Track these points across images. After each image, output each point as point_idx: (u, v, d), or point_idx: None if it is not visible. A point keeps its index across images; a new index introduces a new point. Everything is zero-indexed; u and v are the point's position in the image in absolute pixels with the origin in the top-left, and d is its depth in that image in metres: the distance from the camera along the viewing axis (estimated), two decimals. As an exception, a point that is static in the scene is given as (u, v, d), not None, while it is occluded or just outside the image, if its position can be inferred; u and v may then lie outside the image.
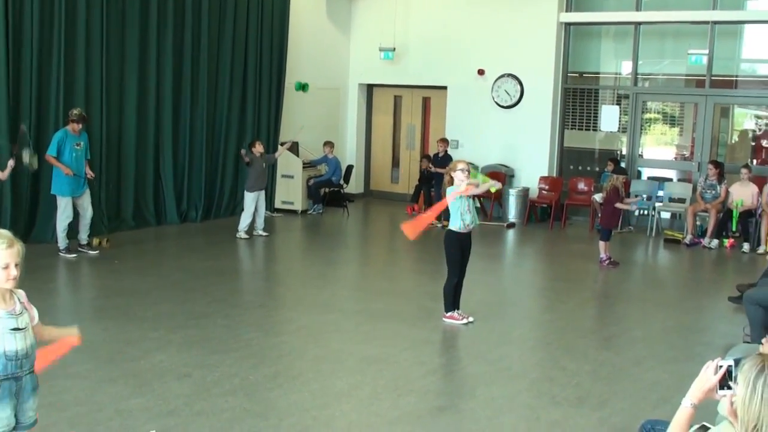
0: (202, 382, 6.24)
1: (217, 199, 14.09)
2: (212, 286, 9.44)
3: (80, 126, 10.52)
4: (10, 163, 9.92)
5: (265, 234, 12.62)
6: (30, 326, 3.79)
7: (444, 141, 14.78)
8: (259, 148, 12.58)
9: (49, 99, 11.25)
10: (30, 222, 11.18)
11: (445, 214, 8.90)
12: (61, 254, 10.58)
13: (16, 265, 3.62)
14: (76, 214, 10.73)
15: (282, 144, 13.97)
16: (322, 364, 6.88)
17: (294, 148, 15.29)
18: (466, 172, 7.88)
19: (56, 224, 10.62)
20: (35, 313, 3.88)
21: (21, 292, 3.83)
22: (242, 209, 12.70)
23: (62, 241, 10.61)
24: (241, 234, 12.40)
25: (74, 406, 5.68)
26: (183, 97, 13.33)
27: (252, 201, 12.41)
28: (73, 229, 10.81)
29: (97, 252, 10.76)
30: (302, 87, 12.23)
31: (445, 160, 13.68)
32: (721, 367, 3.30)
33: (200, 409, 5.72)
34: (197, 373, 6.43)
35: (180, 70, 13.22)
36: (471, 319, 8.11)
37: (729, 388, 3.17)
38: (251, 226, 12.54)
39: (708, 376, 3.31)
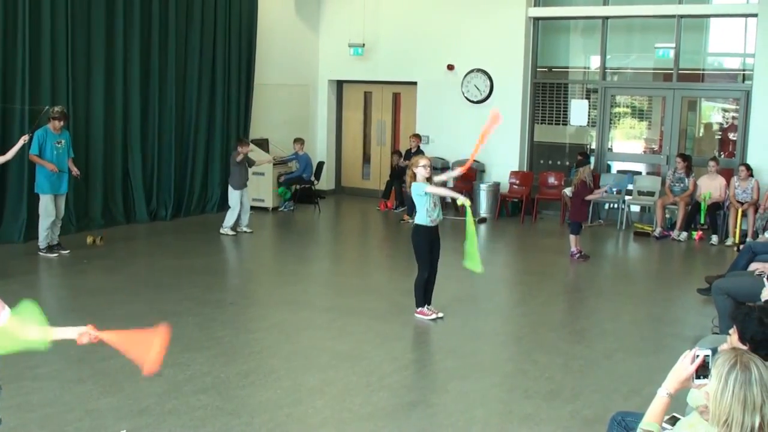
0: (174, 381, 6.20)
1: (187, 196, 13.99)
2: (183, 285, 9.38)
3: (61, 124, 10.42)
4: (24, 138, 10.01)
5: (249, 231, 12.60)
6: None
7: (416, 137, 14.79)
8: (246, 148, 12.60)
9: (14, 96, 11.10)
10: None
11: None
12: (41, 254, 10.47)
13: None
14: None
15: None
16: (295, 361, 6.86)
17: (264, 145, 15.25)
18: (429, 168, 7.92)
19: (39, 223, 10.51)
20: (6, 313, 3.81)
21: None
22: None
23: (43, 241, 10.49)
24: (227, 231, 12.37)
25: (43, 407, 5.62)
26: (151, 93, 13.22)
27: (238, 198, 12.43)
28: (34, 229, 10.68)
29: (68, 252, 10.64)
30: (284, 193, 12.52)
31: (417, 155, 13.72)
32: (698, 356, 3.32)
33: (172, 407, 5.69)
34: (168, 372, 6.38)
35: (148, 67, 13.11)
36: (440, 314, 8.13)
37: (706, 377, 3.20)
38: (236, 223, 12.53)
39: (685, 365, 3.34)
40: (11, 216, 11.16)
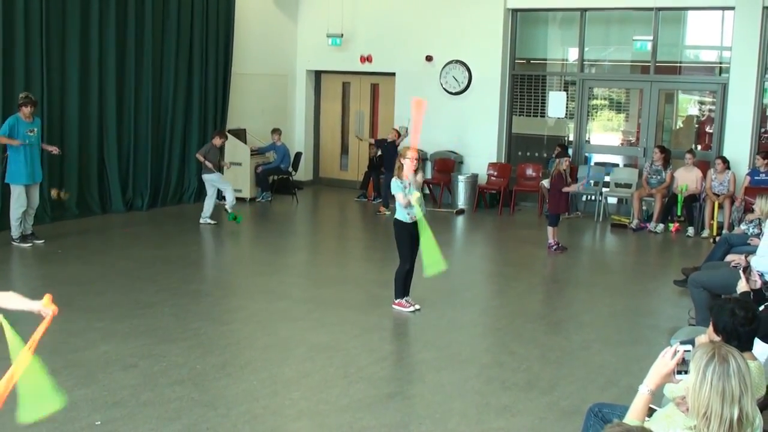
0: (149, 372, 6.15)
1: (163, 186, 13.89)
2: (159, 275, 9.31)
3: (30, 110, 10.24)
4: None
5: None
6: None
7: (397, 131, 14.59)
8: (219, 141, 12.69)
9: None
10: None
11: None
12: (14, 243, 10.36)
13: None
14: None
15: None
16: (271, 353, 6.83)
17: (242, 135, 15.17)
18: (415, 161, 7.88)
19: (10, 213, 10.38)
20: None
21: None
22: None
23: (15, 230, 10.37)
24: (207, 220, 12.39)
25: (15, 398, 5.53)
26: (127, 82, 13.09)
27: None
28: (7, 218, 10.56)
29: (42, 242, 10.53)
30: (235, 218, 12.36)
31: (393, 147, 13.72)
32: (678, 352, 3.32)
33: (147, 399, 5.64)
34: (143, 363, 6.33)
35: (123, 56, 12.97)
36: (418, 306, 8.11)
37: (687, 372, 3.19)
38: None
39: (665, 361, 3.33)
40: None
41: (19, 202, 10.32)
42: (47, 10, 11.61)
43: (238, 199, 14.59)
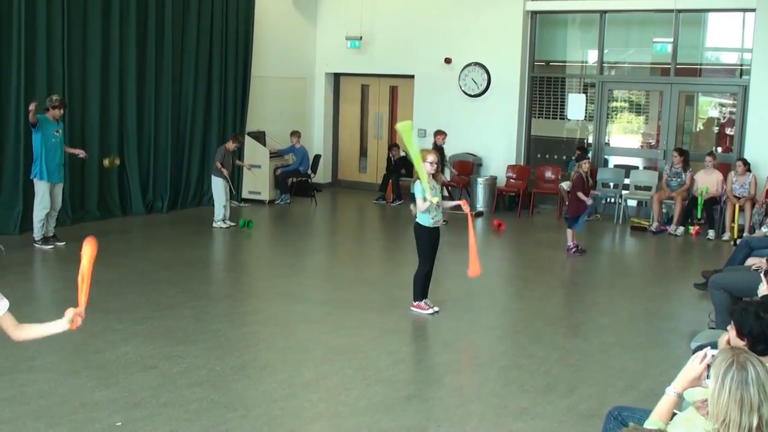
0: (169, 374, 6.18)
1: (183, 189, 13.96)
2: (178, 277, 9.36)
3: (61, 113, 10.39)
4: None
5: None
6: None
7: (442, 133, 14.04)
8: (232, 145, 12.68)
9: (10, 89, 11.07)
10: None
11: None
12: (36, 245, 10.43)
13: None
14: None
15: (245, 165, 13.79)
16: (290, 354, 6.85)
17: (261, 137, 15.23)
18: (435, 165, 7.88)
19: (33, 214, 10.45)
20: (4, 304, 3.78)
21: None
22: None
23: (38, 232, 10.45)
24: (219, 224, 12.41)
25: (38, 399, 5.59)
26: (147, 85, 13.17)
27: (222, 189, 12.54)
28: (30, 221, 10.65)
29: (63, 244, 10.60)
30: (246, 224, 12.33)
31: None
32: (707, 356, 3.31)
33: (166, 400, 5.66)
34: (163, 365, 6.37)
35: (144, 58, 13.06)
36: (436, 308, 8.10)
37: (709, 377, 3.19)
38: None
39: (695, 365, 3.33)
40: (7, 207, 11.12)
41: (42, 204, 10.40)
42: (69, 15, 11.70)
43: (257, 201, 14.70)
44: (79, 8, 11.90)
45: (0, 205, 11.12)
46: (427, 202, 7.75)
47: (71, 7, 11.74)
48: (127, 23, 12.67)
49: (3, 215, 11.09)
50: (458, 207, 8.20)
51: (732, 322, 4.11)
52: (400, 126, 7.92)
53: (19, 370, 6.03)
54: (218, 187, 12.45)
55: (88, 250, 4.01)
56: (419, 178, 7.83)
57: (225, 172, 12.44)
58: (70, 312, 3.85)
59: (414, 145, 7.69)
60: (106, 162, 11.52)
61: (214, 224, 12.40)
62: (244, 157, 14.80)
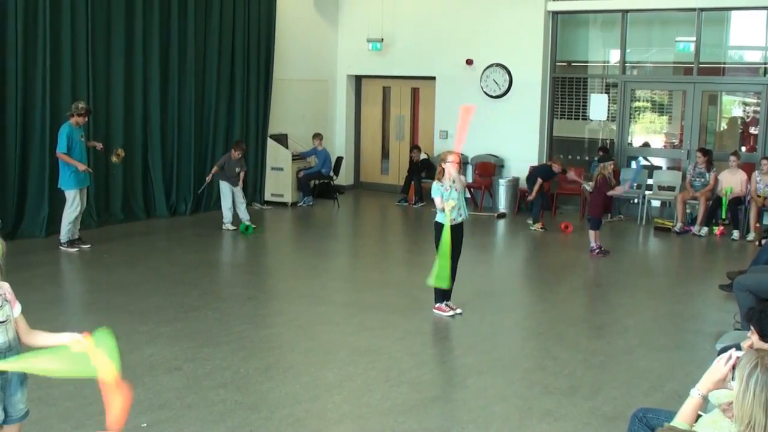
0: (193, 375, 6.22)
1: (206, 192, 14.01)
2: (202, 279, 9.41)
3: (85, 120, 10.55)
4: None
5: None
6: (11, 319, 3.74)
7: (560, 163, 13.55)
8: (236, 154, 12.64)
9: (35, 96, 11.18)
10: (18, 217, 11.11)
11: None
12: (62, 248, 10.54)
13: None
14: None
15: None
16: (313, 356, 6.87)
17: (283, 140, 15.28)
18: (456, 165, 7.87)
19: (63, 217, 10.56)
20: (18, 307, 3.82)
21: (5, 285, 3.78)
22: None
23: (65, 235, 10.56)
24: (228, 226, 12.45)
25: (64, 400, 5.64)
26: (170, 89, 13.26)
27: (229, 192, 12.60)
28: (55, 224, 10.75)
29: (88, 246, 10.70)
30: (246, 229, 12.29)
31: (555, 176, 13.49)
32: (732, 358, 3.30)
33: (191, 402, 5.70)
34: (188, 367, 6.41)
35: (167, 63, 13.14)
36: (459, 310, 8.10)
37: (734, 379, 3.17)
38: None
39: (720, 367, 3.32)
40: (33, 211, 11.24)
41: (73, 206, 10.49)
42: (93, 20, 11.80)
43: (279, 203, 14.75)
44: (103, 13, 11.99)
45: (27, 209, 11.23)
46: (443, 203, 7.76)
47: (95, 14, 11.84)
48: (150, 28, 12.76)
49: (29, 219, 11.20)
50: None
51: (752, 326, 4.09)
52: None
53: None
54: (224, 190, 12.51)
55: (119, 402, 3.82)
56: (438, 179, 7.86)
57: (209, 178, 12.63)
58: (76, 340, 3.79)
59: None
60: (113, 158, 11.57)
61: (223, 227, 12.44)
62: (266, 158, 14.88)
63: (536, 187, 13.17)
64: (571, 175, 13.56)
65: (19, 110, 10.97)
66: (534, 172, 13.60)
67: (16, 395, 3.80)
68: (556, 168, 13.22)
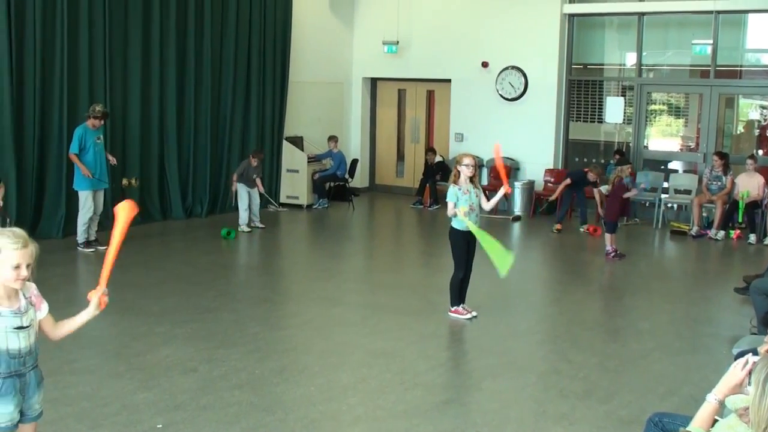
0: (209, 377, 6.24)
1: (222, 193, 14.08)
2: (218, 281, 9.44)
3: (101, 123, 10.58)
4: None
5: (262, 225, 12.81)
6: (34, 323, 3.76)
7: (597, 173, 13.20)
8: (254, 161, 12.76)
9: (53, 97, 11.26)
10: (36, 217, 11.19)
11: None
12: (79, 248, 10.61)
13: (27, 266, 3.58)
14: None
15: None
16: (328, 358, 6.87)
17: (299, 142, 15.32)
18: (472, 168, 7.84)
19: (77, 218, 10.63)
20: (45, 306, 3.86)
21: (32, 286, 3.80)
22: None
23: (81, 235, 10.64)
24: (243, 228, 12.52)
25: (80, 401, 5.68)
26: (187, 92, 13.32)
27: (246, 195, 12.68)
28: (72, 225, 10.82)
29: (104, 248, 10.73)
30: (228, 234, 12.33)
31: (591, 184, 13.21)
32: (748, 362, 3.29)
33: (207, 403, 5.72)
34: (203, 368, 6.43)
35: (183, 65, 13.21)
36: (475, 313, 8.09)
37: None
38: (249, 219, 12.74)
39: (736, 372, 3.30)
40: (50, 212, 11.32)
41: (85, 208, 10.57)
42: (110, 23, 11.87)
43: (294, 205, 14.79)
44: (120, 16, 12.06)
45: (44, 210, 11.30)
46: (455, 209, 7.75)
47: (112, 17, 11.91)
48: (167, 30, 12.82)
49: (47, 219, 11.27)
50: (500, 202, 8.23)
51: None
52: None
53: (62, 372, 6.13)
54: (241, 192, 12.59)
55: (124, 214, 4.07)
56: (454, 183, 7.84)
57: (234, 186, 12.70)
58: (93, 297, 3.95)
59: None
60: (124, 181, 11.66)
61: (240, 228, 12.50)
62: (282, 161, 14.93)
63: (561, 186, 13.14)
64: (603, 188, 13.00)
65: (37, 112, 11.04)
66: (567, 174, 13.56)
67: (33, 397, 3.82)
68: (591, 177, 13.01)
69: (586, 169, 13.28)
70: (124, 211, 4.01)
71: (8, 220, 9.72)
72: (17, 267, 3.55)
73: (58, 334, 3.93)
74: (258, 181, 12.77)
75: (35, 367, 3.80)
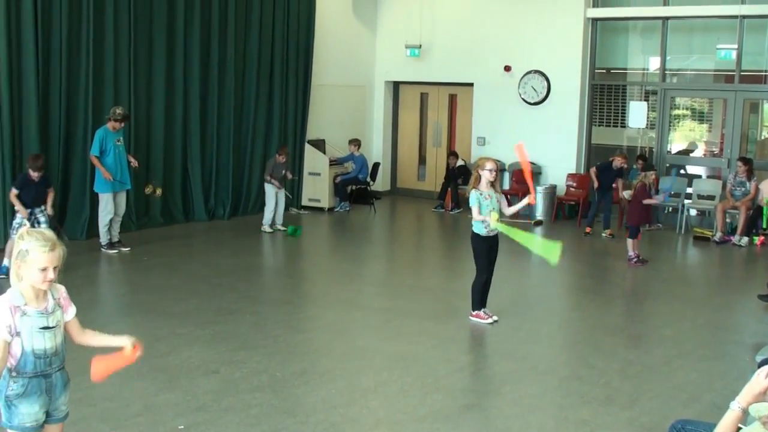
0: (230, 379, 6.28)
1: (244, 196, 14.15)
2: (240, 283, 9.48)
3: (121, 126, 10.65)
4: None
5: (283, 228, 12.85)
6: (61, 324, 3.80)
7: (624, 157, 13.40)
8: (280, 158, 12.84)
9: (78, 99, 11.36)
10: (60, 218, 11.26)
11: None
12: (102, 250, 10.71)
13: (54, 269, 3.62)
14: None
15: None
16: (349, 361, 6.89)
17: (321, 145, 15.35)
18: (494, 172, 7.81)
19: (98, 220, 10.72)
20: (73, 309, 3.89)
21: (61, 288, 3.84)
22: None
23: (104, 237, 10.74)
24: (266, 228, 12.66)
25: (103, 401, 5.72)
26: (210, 95, 13.39)
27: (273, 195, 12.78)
28: (96, 226, 10.92)
29: (128, 249, 10.84)
30: (295, 231, 12.42)
31: (618, 174, 13.25)
32: None
33: (228, 405, 5.75)
34: (225, 370, 6.47)
35: (207, 68, 13.28)
36: (495, 318, 8.07)
37: None
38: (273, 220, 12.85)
39: (760, 380, 3.29)
40: (74, 214, 11.41)
41: (106, 210, 10.66)
42: (135, 26, 11.96)
43: (316, 208, 14.82)
44: (145, 20, 12.15)
45: (68, 211, 11.40)
46: (481, 215, 7.72)
47: (137, 20, 12.00)
48: (191, 33, 12.90)
49: (71, 221, 11.36)
50: (523, 209, 8.18)
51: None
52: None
53: (85, 372, 6.14)
54: (269, 193, 12.69)
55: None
56: (474, 188, 7.81)
57: (275, 182, 12.74)
58: (130, 344, 3.96)
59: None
60: (147, 189, 11.76)
61: (262, 228, 12.60)
62: (304, 163, 14.97)
63: (593, 175, 13.40)
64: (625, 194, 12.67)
65: (62, 114, 11.15)
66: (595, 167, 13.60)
67: (60, 398, 3.87)
68: (617, 163, 13.02)
69: (611, 158, 13.25)
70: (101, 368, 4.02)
71: (58, 228, 9.92)
72: (44, 269, 3.58)
73: (82, 340, 3.97)
74: (288, 174, 13.05)
75: (61, 369, 3.84)
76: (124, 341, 3.95)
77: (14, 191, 9.40)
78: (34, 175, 9.38)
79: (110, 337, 4.02)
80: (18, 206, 9.35)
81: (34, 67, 10.67)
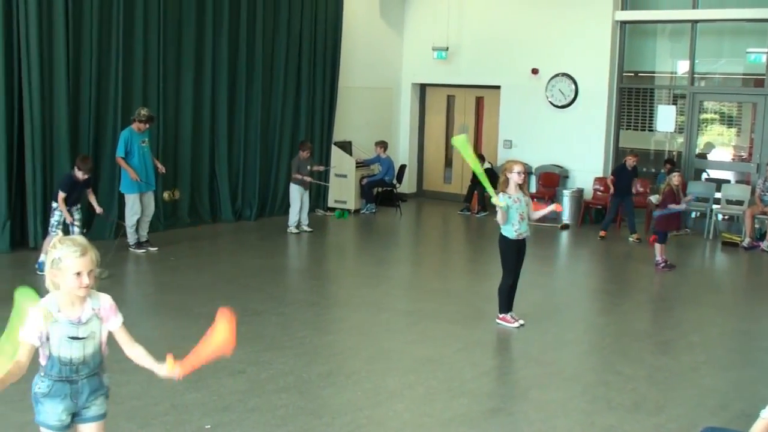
0: (257, 379, 6.31)
1: (271, 197, 14.20)
2: (266, 284, 9.52)
3: (147, 127, 10.72)
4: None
5: (310, 229, 12.89)
6: (96, 335, 3.78)
7: (635, 156, 13.36)
8: (304, 154, 12.86)
9: (108, 100, 11.47)
10: (88, 219, 11.36)
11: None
12: (130, 249, 10.80)
13: (89, 273, 3.61)
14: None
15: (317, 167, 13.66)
16: (375, 364, 6.89)
17: (347, 147, 15.38)
18: (522, 175, 7.79)
19: (125, 220, 10.82)
20: (117, 320, 3.89)
21: (105, 299, 3.84)
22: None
23: (131, 237, 10.82)
24: (292, 229, 12.71)
25: (131, 399, 5.77)
26: (238, 96, 13.47)
27: (299, 195, 12.80)
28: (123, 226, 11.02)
29: (156, 249, 10.92)
30: (342, 214, 12.49)
31: (633, 174, 13.31)
32: None
33: (254, 405, 5.78)
34: (251, 370, 6.49)
35: (235, 70, 13.36)
36: (522, 322, 8.04)
37: None
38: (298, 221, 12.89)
39: None
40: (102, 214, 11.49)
41: (133, 210, 10.74)
42: (164, 29, 12.06)
43: (342, 210, 14.83)
44: (174, 23, 12.25)
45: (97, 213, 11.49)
46: (503, 212, 7.70)
47: (167, 22, 12.10)
48: (220, 36, 12.98)
49: (99, 222, 11.44)
50: (550, 214, 8.17)
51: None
52: (455, 141, 7.70)
53: (113, 371, 6.14)
54: (294, 194, 12.70)
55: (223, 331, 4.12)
56: (502, 191, 7.79)
57: (307, 178, 12.76)
58: (173, 366, 3.99)
59: (471, 157, 7.57)
60: (165, 195, 11.84)
61: (288, 229, 12.63)
62: (330, 165, 15.00)
63: (608, 180, 13.40)
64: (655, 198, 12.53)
65: (92, 116, 11.26)
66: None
67: (87, 402, 3.85)
68: (629, 162, 13.06)
69: (624, 159, 13.23)
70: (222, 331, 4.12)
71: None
72: (78, 274, 3.59)
73: (130, 354, 3.97)
74: (319, 168, 13.23)
75: (92, 376, 3.82)
76: (162, 371, 3.97)
77: (62, 194, 9.41)
78: (80, 175, 9.46)
79: (153, 363, 4.00)
80: (65, 212, 9.41)
81: (64, 69, 10.78)
